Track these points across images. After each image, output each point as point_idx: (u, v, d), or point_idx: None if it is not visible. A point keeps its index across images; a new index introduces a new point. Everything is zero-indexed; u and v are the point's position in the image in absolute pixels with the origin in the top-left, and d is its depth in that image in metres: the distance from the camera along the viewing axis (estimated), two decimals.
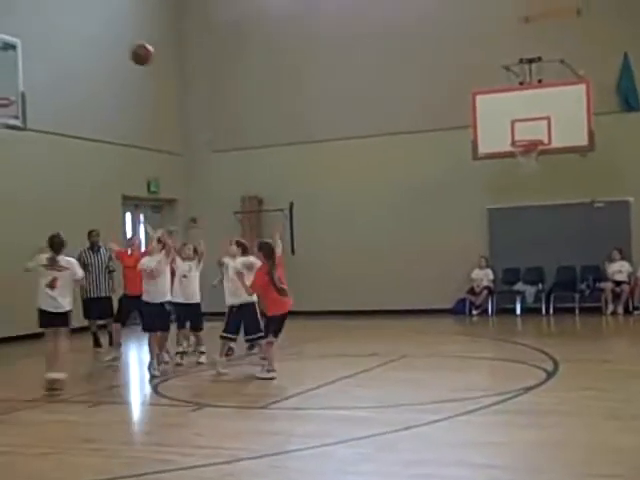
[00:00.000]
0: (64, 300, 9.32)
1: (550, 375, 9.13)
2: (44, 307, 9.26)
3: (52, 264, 9.28)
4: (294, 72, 19.19)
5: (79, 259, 12.80)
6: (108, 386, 10.02)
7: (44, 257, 9.40)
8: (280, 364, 10.55)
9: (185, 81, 20.22)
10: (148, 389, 9.19)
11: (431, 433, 6.67)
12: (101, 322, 12.58)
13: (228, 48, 19.81)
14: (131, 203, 19.04)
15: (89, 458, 6.17)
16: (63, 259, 9.42)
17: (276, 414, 7.72)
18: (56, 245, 9.40)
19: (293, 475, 5.58)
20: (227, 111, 19.78)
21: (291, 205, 19.15)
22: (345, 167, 18.78)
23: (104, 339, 12.67)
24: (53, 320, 9.26)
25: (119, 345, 11.97)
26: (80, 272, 9.62)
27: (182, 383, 9.43)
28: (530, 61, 15.70)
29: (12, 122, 12.69)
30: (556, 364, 9.83)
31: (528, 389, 8.29)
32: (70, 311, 9.43)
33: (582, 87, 15.09)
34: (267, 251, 9.57)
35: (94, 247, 13.04)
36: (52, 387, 9.02)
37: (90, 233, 13.30)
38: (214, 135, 19.90)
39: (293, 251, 18.73)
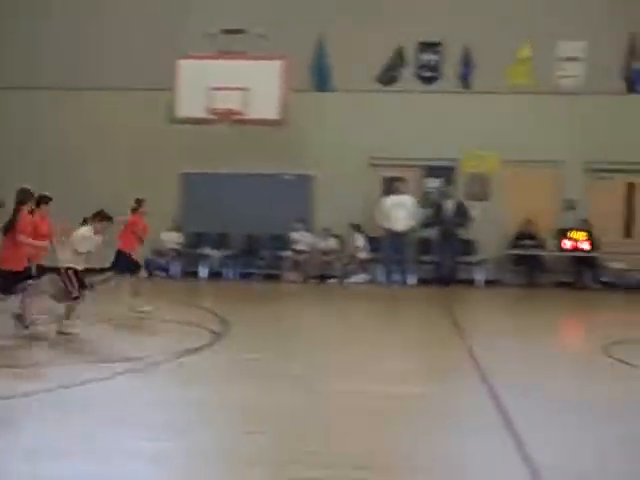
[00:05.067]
0: None
1: (218, 337, 9.45)
2: None
3: None
4: None
5: None
6: None
7: None
8: None
9: None
10: None
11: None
12: None
13: None
14: None
15: None
16: None
17: None
18: None
19: None
20: None
21: None
22: None
23: None
24: None
25: None
26: None
27: None
28: (233, 32, 16.15)
29: None
30: (227, 326, 10.16)
31: (194, 350, 8.58)
32: None
33: (279, 63, 15.81)
34: None
35: None
36: None
37: None
38: None
39: None
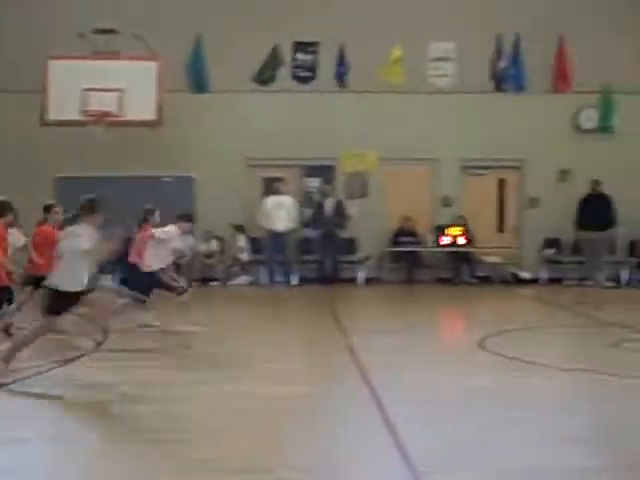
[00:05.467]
0: None
1: (99, 345, 9.48)
2: None
3: None
4: None
5: None
6: None
7: None
8: None
9: None
10: None
11: None
12: None
13: None
14: None
15: None
16: None
17: None
18: None
19: None
20: None
21: None
22: None
23: None
24: None
25: None
26: None
27: None
28: (105, 31, 15.98)
29: None
30: (108, 334, 10.17)
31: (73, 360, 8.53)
32: None
33: (154, 64, 15.72)
34: None
35: None
36: None
37: None
38: None
39: None
